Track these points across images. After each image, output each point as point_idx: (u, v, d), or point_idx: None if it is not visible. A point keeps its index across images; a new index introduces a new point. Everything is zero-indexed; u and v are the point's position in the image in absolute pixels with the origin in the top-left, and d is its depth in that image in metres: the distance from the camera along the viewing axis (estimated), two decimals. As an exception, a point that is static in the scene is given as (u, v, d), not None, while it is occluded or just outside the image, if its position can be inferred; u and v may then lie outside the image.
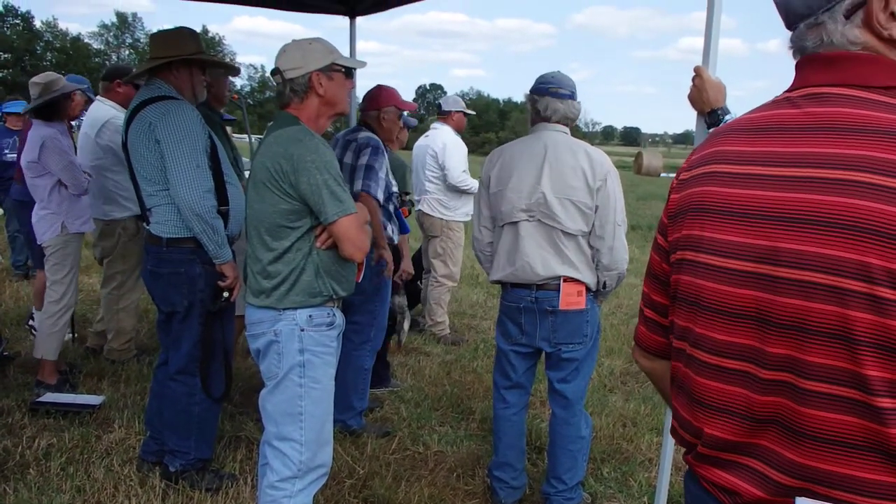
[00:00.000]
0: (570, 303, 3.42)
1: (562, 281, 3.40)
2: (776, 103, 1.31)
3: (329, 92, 2.90)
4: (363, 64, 3.27)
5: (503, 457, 3.74)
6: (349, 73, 3.01)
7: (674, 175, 1.48)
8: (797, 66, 1.31)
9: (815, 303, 1.13)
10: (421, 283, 6.94)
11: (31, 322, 5.98)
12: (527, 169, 3.42)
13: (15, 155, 7.49)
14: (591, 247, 3.40)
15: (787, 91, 1.32)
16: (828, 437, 1.14)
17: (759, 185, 1.23)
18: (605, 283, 3.46)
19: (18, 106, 8.16)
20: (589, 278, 3.42)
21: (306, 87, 2.87)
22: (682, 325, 1.37)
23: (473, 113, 7.69)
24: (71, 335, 5.71)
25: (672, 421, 1.46)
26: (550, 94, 3.45)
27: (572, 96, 3.48)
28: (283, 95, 2.92)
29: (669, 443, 3.16)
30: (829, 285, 1.11)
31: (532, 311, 3.49)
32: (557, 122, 3.47)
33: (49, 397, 4.68)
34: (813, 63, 1.27)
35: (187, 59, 3.68)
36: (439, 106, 7.01)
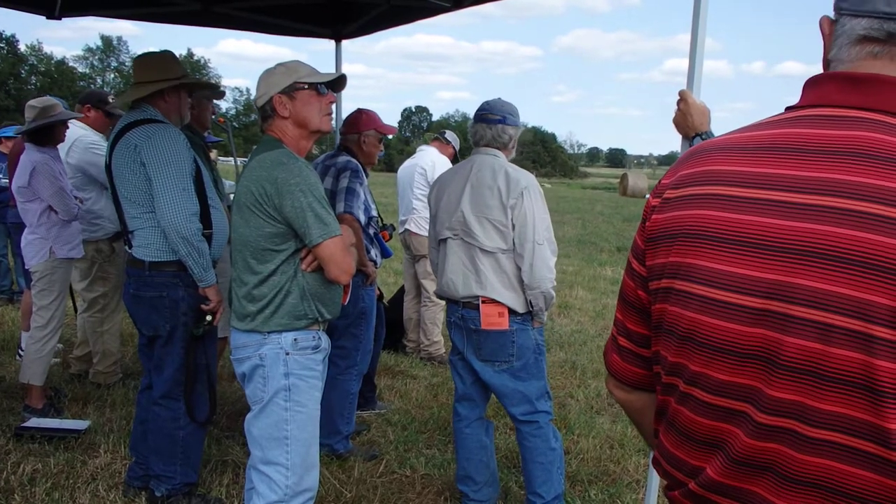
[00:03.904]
0: (492, 323, 3.50)
1: (480, 301, 3.49)
2: (784, 121, 1.19)
3: (293, 111, 2.90)
4: (334, 76, 3.07)
5: (462, 469, 3.80)
6: (320, 89, 2.95)
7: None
8: (813, 83, 1.20)
9: (835, 347, 1.02)
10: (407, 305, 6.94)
11: (21, 348, 5.94)
12: (454, 190, 3.58)
13: (7, 180, 7.45)
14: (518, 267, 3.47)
15: (798, 108, 1.20)
16: (827, 485, 1.06)
17: (767, 211, 1.11)
18: (531, 303, 3.49)
19: (11, 131, 8.13)
20: (510, 300, 3.47)
21: (272, 111, 2.91)
22: (674, 360, 1.25)
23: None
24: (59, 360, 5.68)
25: (655, 454, 1.37)
26: (481, 119, 3.62)
27: (503, 121, 3.58)
28: (260, 124, 3.00)
29: (656, 465, 3.16)
30: (853, 330, 1.00)
31: (460, 328, 3.62)
32: (486, 145, 3.61)
33: (34, 422, 4.65)
34: (836, 81, 1.16)
35: (175, 84, 3.70)
36: (443, 133, 7.19)
